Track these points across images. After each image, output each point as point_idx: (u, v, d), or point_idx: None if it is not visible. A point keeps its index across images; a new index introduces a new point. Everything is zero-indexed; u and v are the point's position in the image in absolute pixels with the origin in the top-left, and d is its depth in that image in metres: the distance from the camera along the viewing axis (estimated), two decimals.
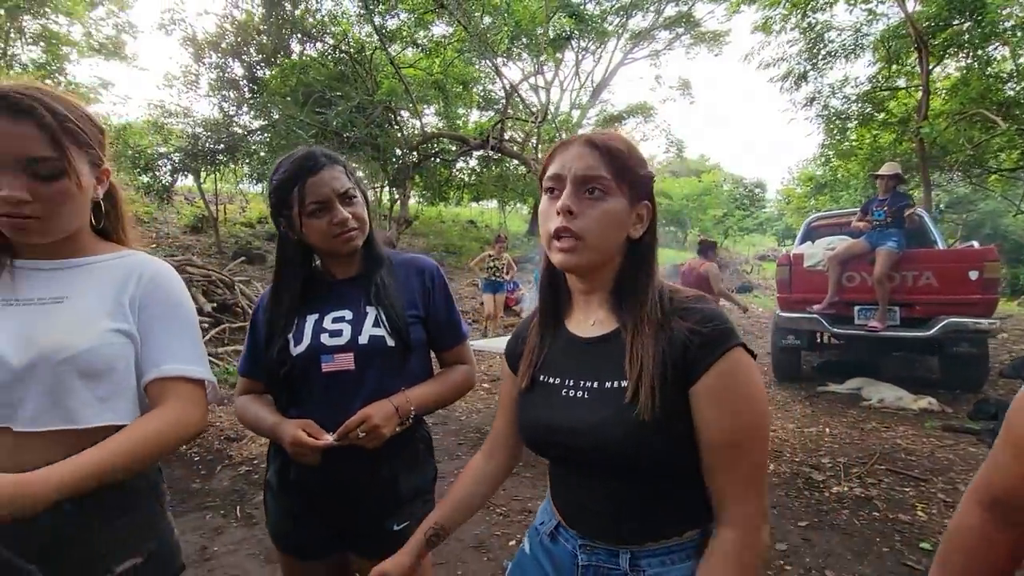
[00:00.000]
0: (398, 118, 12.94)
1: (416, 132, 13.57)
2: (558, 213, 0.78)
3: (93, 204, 0.94)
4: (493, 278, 8.35)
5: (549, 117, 15.31)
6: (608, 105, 22.74)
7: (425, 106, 14.06)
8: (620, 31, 20.37)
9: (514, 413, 0.96)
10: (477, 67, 14.53)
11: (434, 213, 19.40)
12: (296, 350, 1.14)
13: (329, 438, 1.06)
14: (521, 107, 16.40)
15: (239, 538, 2.59)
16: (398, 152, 12.93)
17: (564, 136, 12.24)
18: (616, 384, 0.79)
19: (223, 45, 11.56)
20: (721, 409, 0.73)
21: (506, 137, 14.47)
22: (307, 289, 1.21)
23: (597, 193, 0.78)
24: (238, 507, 2.91)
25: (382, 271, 1.21)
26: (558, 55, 18.49)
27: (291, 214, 1.13)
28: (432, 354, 1.31)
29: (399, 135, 12.75)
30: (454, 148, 14.29)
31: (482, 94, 16.61)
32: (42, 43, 13.37)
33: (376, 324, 1.14)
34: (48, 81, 13.87)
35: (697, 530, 0.80)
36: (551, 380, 0.87)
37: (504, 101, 14.84)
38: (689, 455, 0.76)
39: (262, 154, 11.58)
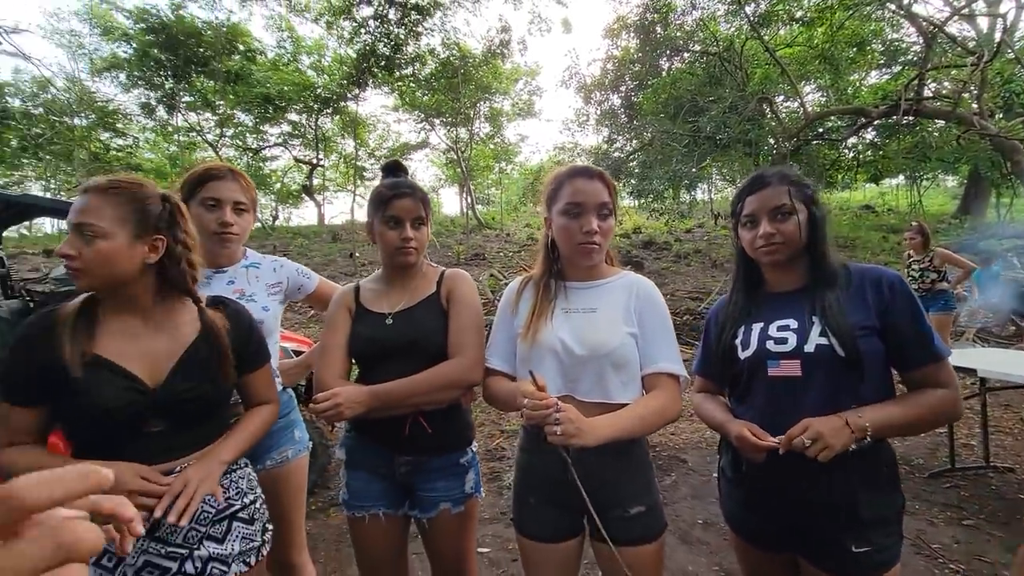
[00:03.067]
0: (773, 107, 11.97)
1: (797, 116, 12.20)
2: None
3: None
4: (918, 290, 4.97)
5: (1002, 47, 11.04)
6: None
7: (806, 84, 12.50)
8: None
9: None
10: (877, 16, 11.90)
11: None
12: (744, 354, 1.23)
13: (772, 441, 1.11)
14: (947, 50, 12.44)
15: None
16: (772, 142, 11.96)
17: None
18: None
19: (605, 83, 13.43)
20: None
21: (925, 94, 11.25)
22: (752, 300, 1.31)
23: None
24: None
25: (828, 283, 1.19)
26: None
27: (736, 224, 1.30)
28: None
29: (774, 124, 11.77)
30: (843, 125, 12.11)
31: (883, 49, 13.46)
32: (488, 120, 18.72)
33: (823, 334, 1.14)
34: (491, 144, 18.94)
35: None
36: None
37: (923, 48, 11.58)
38: None
39: (637, 171, 12.84)
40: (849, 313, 1.13)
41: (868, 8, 10.77)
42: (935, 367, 1.13)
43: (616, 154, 13.05)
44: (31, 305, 3.01)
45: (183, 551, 1.07)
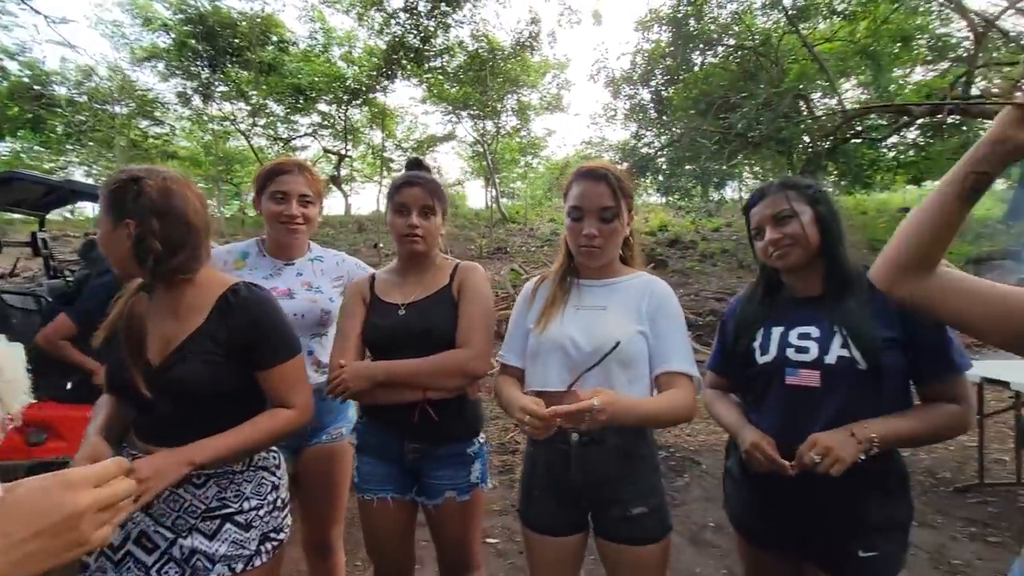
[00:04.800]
0: (808, 103, 11.60)
1: (835, 112, 11.79)
2: None
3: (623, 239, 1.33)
4: None
5: None
6: None
7: (845, 80, 12.07)
8: None
9: None
10: (925, 11, 11.38)
11: (851, 203, 16.34)
12: (762, 359, 1.21)
13: (783, 462, 1.09)
14: (1000, 46, 11.82)
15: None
16: (806, 140, 11.60)
17: None
18: None
19: (634, 77, 13.22)
20: None
21: (973, 92, 10.73)
22: (773, 302, 1.28)
23: None
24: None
25: (847, 288, 1.16)
26: None
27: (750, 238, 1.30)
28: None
29: (810, 122, 11.41)
30: (884, 123, 11.65)
31: (930, 45, 12.87)
32: (516, 113, 18.66)
33: (844, 345, 1.11)
34: (518, 138, 18.91)
35: None
36: None
37: (973, 44, 11.05)
38: None
39: (665, 168, 12.62)
40: (873, 323, 1.10)
41: (915, 1, 10.31)
42: (951, 382, 1.10)
43: (644, 150, 12.84)
44: (70, 285, 3.16)
45: (171, 535, 1.09)
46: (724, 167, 11.07)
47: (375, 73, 16.66)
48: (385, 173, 21.26)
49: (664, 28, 12.56)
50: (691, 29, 11.79)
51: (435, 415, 1.36)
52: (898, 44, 11.51)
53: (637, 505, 1.22)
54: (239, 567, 1.11)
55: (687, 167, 11.33)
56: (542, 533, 1.31)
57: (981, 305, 0.83)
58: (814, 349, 1.14)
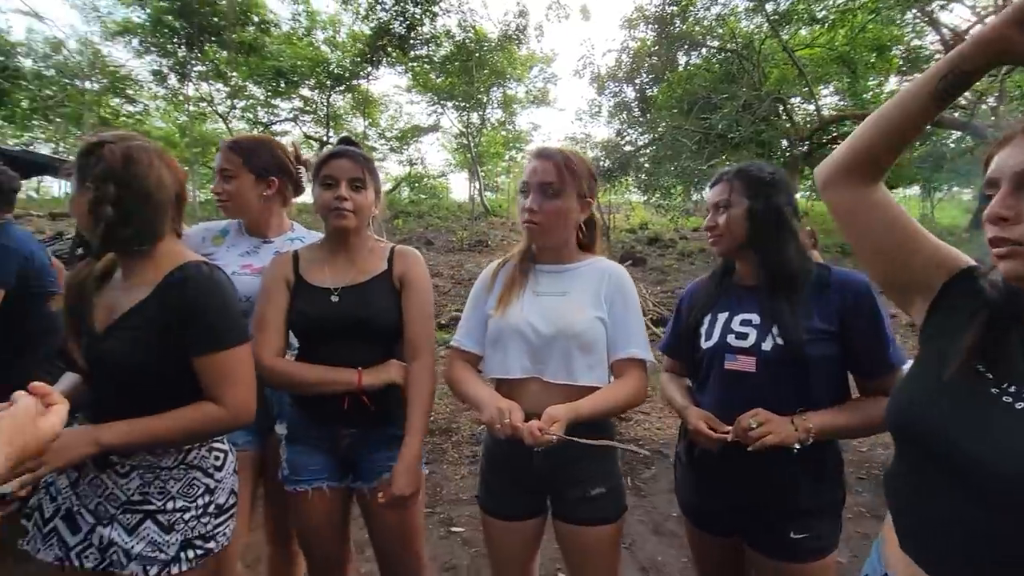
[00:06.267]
0: (787, 107, 11.83)
1: (811, 118, 12.06)
2: (991, 222, 0.69)
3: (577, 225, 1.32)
4: None
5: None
6: None
7: (823, 86, 12.34)
8: None
9: None
10: (900, 23, 11.70)
11: (825, 208, 16.74)
12: (705, 344, 1.26)
13: (725, 430, 1.15)
14: None
15: (631, 505, 3.02)
16: (784, 144, 11.85)
17: None
18: None
19: (619, 74, 13.29)
20: None
21: None
22: (723, 289, 1.33)
23: None
24: (629, 478, 3.38)
25: (780, 282, 1.20)
26: None
27: None
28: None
29: (787, 126, 11.65)
30: None
31: (904, 55, 13.26)
32: (501, 106, 18.59)
33: (780, 334, 1.17)
34: (503, 131, 18.84)
35: None
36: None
37: (943, 55, 11.39)
38: None
39: (647, 166, 12.75)
40: (806, 316, 1.15)
41: (891, 12, 10.58)
42: (887, 376, 1.15)
43: (627, 148, 12.95)
44: None
45: (92, 520, 1.05)
46: (704, 167, 11.23)
47: (359, 59, 16.38)
48: None
49: (650, 27, 12.64)
50: (676, 29, 11.89)
51: (368, 402, 1.32)
52: (874, 53, 11.81)
53: (596, 486, 1.24)
54: (153, 570, 1.03)
55: (668, 166, 11.44)
56: (502, 519, 1.32)
57: (899, 231, 0.84)
58: (753, 336, 1.19)
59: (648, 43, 12.98)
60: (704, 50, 12.62)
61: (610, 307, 1.27)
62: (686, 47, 12.60)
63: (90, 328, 1.04)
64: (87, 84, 16.96)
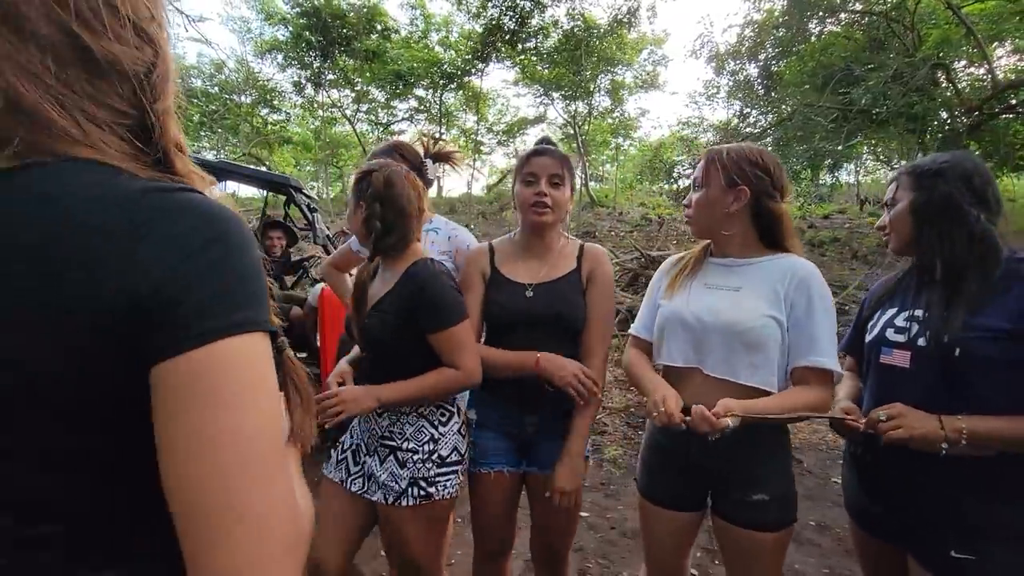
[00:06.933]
0: (950, 73, 10.15)
1: (982, 84, 10.25)
2: None
3: (754, 216, 1.28)
4: None
5: None
6: None
7: (997, 45, 10.41)
8: None
9: None
10: None
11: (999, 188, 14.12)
12: (868, 338, 1.25)
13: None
14: None
15: None
16: (943, 116, 10.20)
17: None
18: None
19: (741, 50, 12.33)
20: None
21: None
22: (903, 283, 1.27)
23: None
24: None
25: (954, 274, 1.10)
26: None
27: None
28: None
29: (950, 95, 10.00)
30: None
31: None
32: (608, 93, 18.16)
33: (928, 329, 1.12)
34: (610, 119, 18.34)
35: None
36: None
37: None
38: None
39: (772, 149, 11.71)
40: (973, 312, 1.05)
41: None
42: None
43: (748, 130, 12.00)
44: None
45: (365, 452, 1.44)
46: (841, 148, 10.07)
47: (470, 56, 16.95)
48: (476, 156, 21.71)
49: None
50: None
51: (549, 387, 1.39)
52: None
53: (757, 492, 1.23)
54: (389, 499, 1.28)
55: (797, 148, 10.43)
56: (660, 506, 1.36)
57: None
58: (915, 329, 1.15)
59: (775, 13, 11.87)
60: (843, 16, 11.24)
61: (791, 308, 1.22)
62: (820, 14, 11.31)
63: (363, 312, 1.35)
64: (242, 98, 19.47)
